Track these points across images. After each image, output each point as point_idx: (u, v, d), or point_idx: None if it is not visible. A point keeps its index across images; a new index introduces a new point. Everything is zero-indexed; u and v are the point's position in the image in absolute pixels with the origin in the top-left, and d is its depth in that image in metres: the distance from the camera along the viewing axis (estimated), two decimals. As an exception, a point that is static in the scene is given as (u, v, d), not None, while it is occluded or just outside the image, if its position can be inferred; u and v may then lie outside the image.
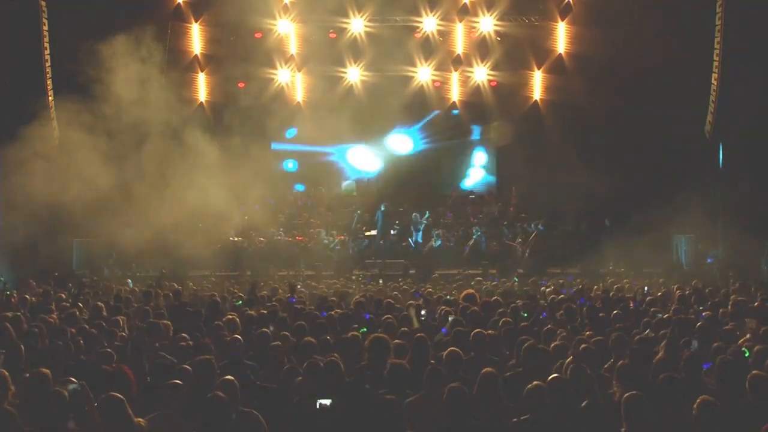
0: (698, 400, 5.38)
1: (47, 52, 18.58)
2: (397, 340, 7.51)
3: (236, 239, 20.35)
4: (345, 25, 22.01)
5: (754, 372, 5.81)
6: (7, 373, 5.81)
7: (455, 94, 23.02)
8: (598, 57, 20.92)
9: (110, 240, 17.92)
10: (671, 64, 18.69)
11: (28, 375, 6.11)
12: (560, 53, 22.31)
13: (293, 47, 22.44)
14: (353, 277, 18.25)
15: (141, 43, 17.57)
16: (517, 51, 22.51)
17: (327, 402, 5.66)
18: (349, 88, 22.48)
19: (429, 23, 22.11)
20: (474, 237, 20.38)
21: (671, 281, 15.29)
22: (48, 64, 18.58)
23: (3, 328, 7.87)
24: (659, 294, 12.44)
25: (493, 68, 22.53)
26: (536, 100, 22.71)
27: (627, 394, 5.38)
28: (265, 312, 9.69)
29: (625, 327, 8.67)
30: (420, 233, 20.47)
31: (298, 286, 14.86)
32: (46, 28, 18.57)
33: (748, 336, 8.13)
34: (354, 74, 22.42)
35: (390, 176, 23.13)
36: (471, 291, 11.32)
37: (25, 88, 17.60)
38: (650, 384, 6.12)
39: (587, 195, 19.21)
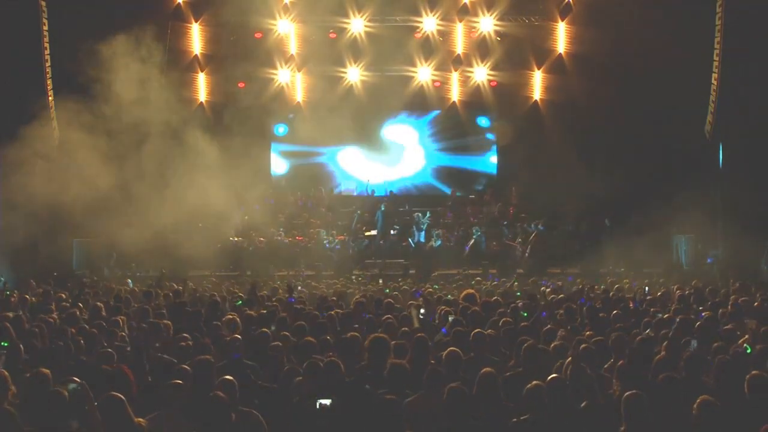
0: (698, 400, 5.38)
1: (47, 52, 18.58)
2: (397, 340, 7.52)
3: (236, 239, 20.35)
4: (345, 25, 22.01)
5: (753, 372, 5.81)
6: (7, 373, 5.82)
7: (455, 94, 23.03)
8: (598, 57, 20.93)
9: (110, 240, 17.92)
10: (671, 64, 18.68)
11: (28, 375, 6.11)
12: (560, 53, 22.32)
13: (293, 47, 22.45)
14: (353, 277, 18.25)
15: (141, 43, 17.57)
16: (517, 51, 22.52)
17: (327, 402, 5.66)
18: (349, 88, 22.49)
19: (429, 23, 22.12)
20: (474, 237, 20.37)
21: (671, 281, 15.29)
22: (48, 64, 18.59)
23: (3, 327, 7.87)
24: (659, 294, 12.44)
25: (493, 68, 22.54)
26: (536, 100, 22.72)
27: (627, 394, 5.38)
28: (265, 312, 9.68)
29: (625, 327, 8.67)
30: (423, 233, 20.46)
31: (299, 287, 14.87)
32: (46, 28, 18.58)
33: (746, 337, 8.13)
34: (354, 74, 22.42)
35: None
36: (471, 291, 11.31)
37: (25, 88, 17.60)
38: (650, 384, 6.12)
39: (587, 195, 19.21)
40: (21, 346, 7.38)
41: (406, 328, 8.34)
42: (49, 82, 18.51)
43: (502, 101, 22.81)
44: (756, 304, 10.33)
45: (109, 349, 7.37)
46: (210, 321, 9.18)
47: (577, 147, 20.46)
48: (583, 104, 21.13)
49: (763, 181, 17.73)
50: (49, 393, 5.39)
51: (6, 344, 7.26)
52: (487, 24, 22.13)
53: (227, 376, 5.93)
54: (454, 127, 23.76)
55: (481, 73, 22.59)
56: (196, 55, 22.37)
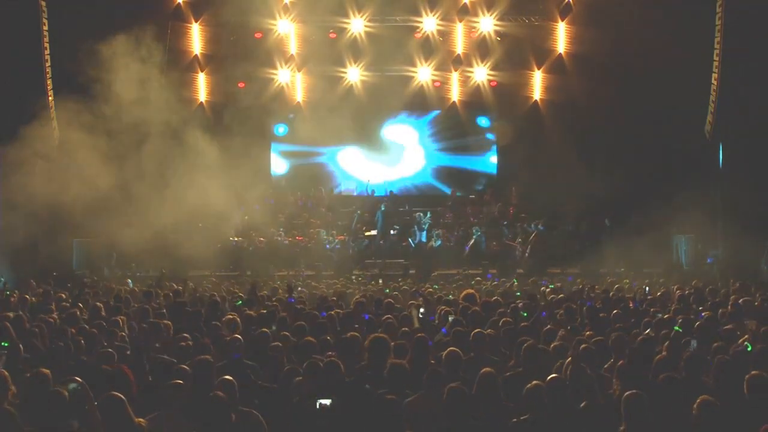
0: (698, 400, 5.38)
1: (47, 52, 18.58)
2: (397, 340, 7.52)
3: (236, 239, 20.35)
4: (345, 25, 22.02)
5: (752, 372, 5.81)
6: (7, 374, 5.82)
7: (455, 94, 23.03)
8: (598, 57, 20.93)
9: (110, 240, 17.91)
10: (671, 64, 18.68)
11: (28, 375, 6.10)
12: (560, 53, 22.32)
13: (293, 47, 22.45)
14: (353, 277, 18.25)
15: (141, 43, 17.57)
16: (517, 51, 22.53)
17: (327, 402, 5.66)
18: (349, 88, 22.49)
19: (429, 23, 22.12)
20: (474, 237, 20.37)
21: (671, 281, 15.28)
22: (48, 64, 18.59)
23: (3, 327, 7.86)
24: (658, 294, 12.44)
25: (493, 68, 22.54)
26: (536, 100, 22.73)
27: (627, 393, 5.38)
28: (265, 312, 9.68)
29: (625, 327, 8.67)
30: (424, 233, 20.45)
31: (299, 287, 14.86)
32: (46, 28, 18.58)
33: (746, 337, 8.13)
34: (354, 74, 22.42)
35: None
36: (471, 291, 11.31)
37: (25, 88, 17.60)
38: (650, 384, 6.13)
39: (587, 195, 19.20)
40: (20, 346, 7.39)
41: (407, 328, 8.34)
42: (49, 82, 18.51)
43: (502, 101, 22.80)
44: (756, 303, 10.33)
45: (110, 349, 7.37)
46: (210, 321, 9.18)
47: (577, 147, 20.46)
48: (583, 104, 21.13)
49: (763, 181, 17.73)
50: (49, 393, 5.38)
51: (6, 344, 7.26)
52: (487, 24, 22.13)
53: (227, 376, 5.93)
54: (454, 127, 23.77)
55: (481, 73, 22.59)
56: (196, 55, 22.38)
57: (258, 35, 22.13)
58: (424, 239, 20.41)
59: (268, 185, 20.94)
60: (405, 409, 5.94)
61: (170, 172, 17.45)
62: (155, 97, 17.70)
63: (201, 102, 22.49)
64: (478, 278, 16.79)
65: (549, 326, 8.52)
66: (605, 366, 7.02)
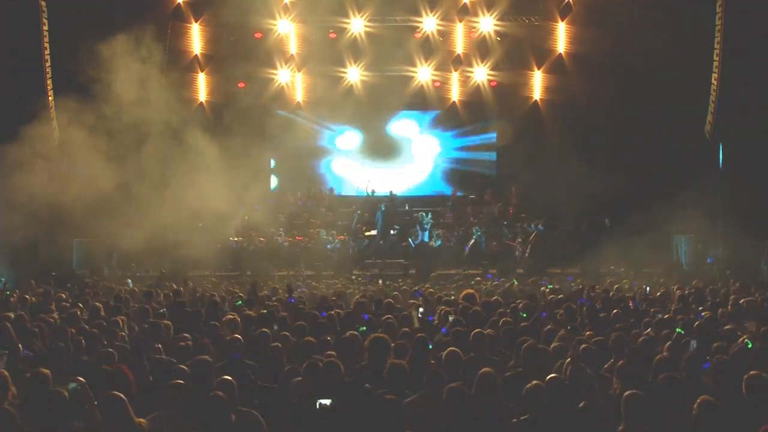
0: (698, 400, 5.38)
1: (47, 52, 18.59)
2: (397, 341, 7.52)
3: (236, 239, 20.35)
4: (345, 25, 22.02)
5: (751, 372, 5.81)
6: (7, 374, 5.82)
7: (455, 94, 23.03)
8: (598, 57, 20.93)
9: (110, 240, 17.92)
10: (671, 64, 18.69)
11: (28, 375, 6.10)
12: (560, 53, 22.33)
13: (293, 47, 22.46)
14: (353, 277, 18.25)
15: (141, 43, 17.57)
16: (517, 51, 22.53)
17: (327, 402, 5.66)
18: (349, 88, 22.49)
19: (429, 23, 22.12)
20: (474, 237, 20.38)
21: (671, 281, 15.28)
22: (48, 64, 18.59)
23: (3, 327, 7.87)
24: (658, 294, 12.44)
25: (493, 68, 22.55)
26: (536, 100, 22.73)
27: (627, 393, 5.38)
28: (265, 312, 9.68)
29: (625, 327, 8.67)
30: (426, 233, 20.45)
31: (300, 287, 14.86)
32: (46, 28, 18.59)
33: (746, 336, 8.13)
34: (354, 74, 22.42)
35: None
36: (471, 291, 11.31)
37: (25, 88, 17.61)
38: (650, 384, 6.12)
39: (587, 195, 19.20)
40: (20, 346, 7.38)
41: (407, 329, 8.34)
42: (49, 82, 18.52)
43: (502, 101, 22.80)
44: (757, 303, 10.33)
45: (110, 349, 7.37)
46: (210, 321, 9.17)
47: (577, 147, 20.46)
48: (583, 104, 21.13)
49: (763, 181, 17.73)
50: (49, 393, 5.38)
51: (6, 345, 7.26)
52: (487, 24, 22.13)
53: (226, 376, 5.93)
54: (454, 128, 23.76)
55: (481, 73, 22.59)
56: (196, 55, 22.38)
57: (258, 35, 22.14)
58: (426, 239, 20.40)
59: (268, 185, 20.95)
60: (405, 409, 5.94)
61: (170, 172, 17.45)
62: (155, 97, 17.70)
63: (201, 102, 22.50)
64: (478, 278, 16.79)
65: (549, 326, 8.52)
66: (605, 366, 7.02)
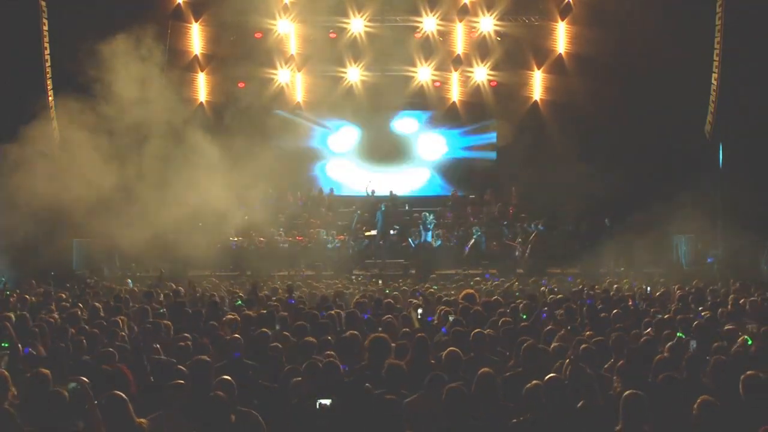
0: (698, 400, 5.38)
1: (47, 52, 18.59)
2: (398, 341, 7.52)
3: (236, 239, 20.35)
4: (345, 25, 22.03)
5: (748, 373, 5.81)
6: (7, 374, 5.82)
7: (455, 94, 23.03)
8: (598, 57, 20.94)
9: (110, 240, 17.91)
10: (671, 64, 18.69)
11: (28, 375, 6.11)
12: (560, 53, 22.33)
13: (293, 47, 22.46)
14: (353, 277, 18.25)
15: (141, 43, 17.57)
16: (517, 51, 22.53)
17: (327, 402, 5.66)
18: (349, 88, 22.49)
19: (429, 23, 22.12)
20: (474, 237, 20.38)
21: (671, 281, 15.29)
22: (48, 64, 18.59)
23: (3, 327, 7.87)
24: (657, 294, 12.44)
25: (493, 68, 22.55)
26: (536, 100, 22.73)
27: (626, 393, 5.38)
28: (265, 312, 9.67)
29: (625, 327, 8.67)
30: (429, 233, 20.44)
31: (300, 287, 14.86)
32: (46, 28, 18.59)
33: (745, 336, 8.13)
34: (354, 74, 22.43)
35: None
36: (470, 291, 11.31)
37: (25, 88, 17.61)
38: (650, 384, 6.13)
39: (587, 195, 19.20)
40: (19, 345, 7.38)
41: (407, 329, 8.34)
42: (49, 82, 18.52)
43: (502, 101, 22.80)
44: (749, 304, 10.32)
45: (110, 349, 7.37)
46: (210, 321, 9.17)
47: (577, 147, 20.47)
48: (583, 104, 21.13)
49: (763, 181, 17.74)
50: (49, 393, 5.39)
51: (6, 345, 7.26)
52: (487, 24, 22.14)
53: (225, 376, 5.92)
54: (454, 128, 23.76)
55: (481, 73, 22.59)
56: (196, 55, 22.38)
57: (258, 35, 22.14)
58: (429, 239, 20.40)
59: (268, 185, 20.96)
60: (405, 409, 5.94)
61: (170, 172, 17.44)
62: (155, 97, 17.70)
63: (201, 102, 22.49)
64: (477, 278, 16.78)
65: (549, 326, 8.52)
66: (605, 366, 7.03)
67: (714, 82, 19.48)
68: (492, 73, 22.60)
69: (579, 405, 5.67)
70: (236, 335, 7.65)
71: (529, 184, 21.56)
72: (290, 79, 22.61)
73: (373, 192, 22.35)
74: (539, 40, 22.48)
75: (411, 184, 23.88)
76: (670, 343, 7.41)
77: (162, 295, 12.33)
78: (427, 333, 7.75)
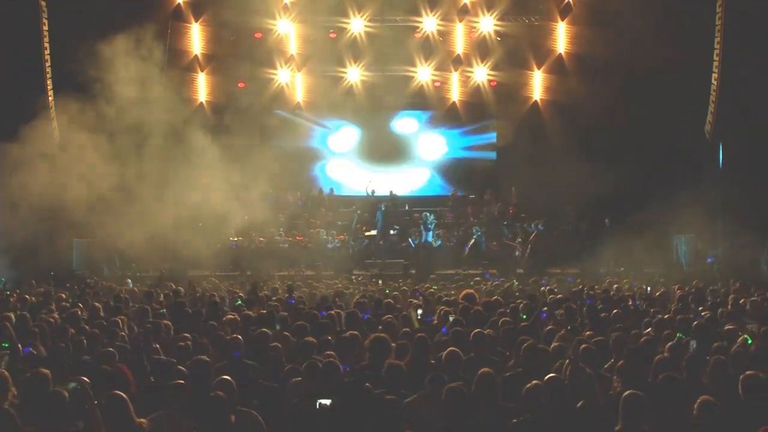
0: (698, 400, 5.38)
1: (47, 52, 18.58)
2: (398, 341, 7.52)
3: (236, 239, 20.35)
4: (345, 25, 22.03)
5: (747, 373, 5.81)
6: (7, 374, 5.82)
7: (455, 94, 23.03)
8: (598, 57, 20.94)
9: (110, 240, 17.90)
10: (671, 64, 18.69)
11: (28, 375, 6.11)
12: (560, 53, 22.33)
13: (293, 47, 22.47)
14: (353, 278, 18.25)
15: (141, 43, 17.58)
16: (517, 51, 22.54)
17: (327, 402, 5.66)
18: (349, 88, 22.49)
19: (429, 23, 22.13)
20: (474, 237, 20.38)
21: (671, 281, 15.29)
22: (48, 64, 18.59)
23: (3, 327, 7.87)
24: (657, 294, 12.44)
25: (493, 68, 22.55)
26: (536, 100, 22.73)
27: (626, 394, 5.38)
28: (265, 312, 9.67)
29: (625, 327, 8.67)
30: (431, 233, 20.43)
31: (300, 286, 14.85)
32: (46, 28, 18.59)
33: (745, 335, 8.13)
34: (354, 74, 22.42)
35: None
36: (470, 291, 11.31)
37: (25, 88, 17.60)
38: (650, 384, 6.13)
39: (587, 195, 19.21)
40: (19, 346, 7.38)
41: (407, 329, 8.34)
42: (49, 81, 18.52)
43: (502, 101, 22.81)
44: (751, 304, 10.32)
45: (111, 349, 7.37)
46: (210, 321, 9.17)
47: (577, 147, 20.43)
48: (583, 104, 21.12)
49: (763, 181, 17.74)
50: (49, 393, 5.39)
51: (7, 345, 7.26)
52: (487, 24, 22.14)
53: (225, 376, 5.92)
54: (454, 128, 23.76)
55: (481, 73, 22.59)
56: (196, 55, 22.38)
57: (258, 35, 22.15)
58: (430, 239, 20.39)
59: (268, 185, 20.98)
60: (405, 409, 5.94)
61: (170, 172, 17.45)
62: (155, 97, 17.72)
63: (201, 102, 22.49)
64: (477, 278, 16.78)
65: (549, 326, 8.52)
66: (605, 366, 7.03)
67: (714, 82, 19.48)
68: (492, 73, 22.60)
69: (579, 405, 5.67)
70: (236, 335, 7.65)
71: (529, 184, 21.56)
72: (290, 79, 22.61)
73: (373, 192, 22.32)
74: (539, 40, 22.49)
75: (411, 184, 23.87)
76: (670, 343, 7.41)
77: (162, 295, 12.33)
78: (427, 333, 7.76)
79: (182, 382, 5.86)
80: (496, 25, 22.14)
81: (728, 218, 18.84)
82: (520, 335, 7.55)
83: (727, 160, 19.91)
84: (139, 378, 6.73)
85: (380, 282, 17.11)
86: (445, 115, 23.47)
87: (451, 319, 8.76)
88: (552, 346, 7.51)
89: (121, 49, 17.15)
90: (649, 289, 13.07)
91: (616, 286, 13.69)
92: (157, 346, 7.79)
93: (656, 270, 17.78)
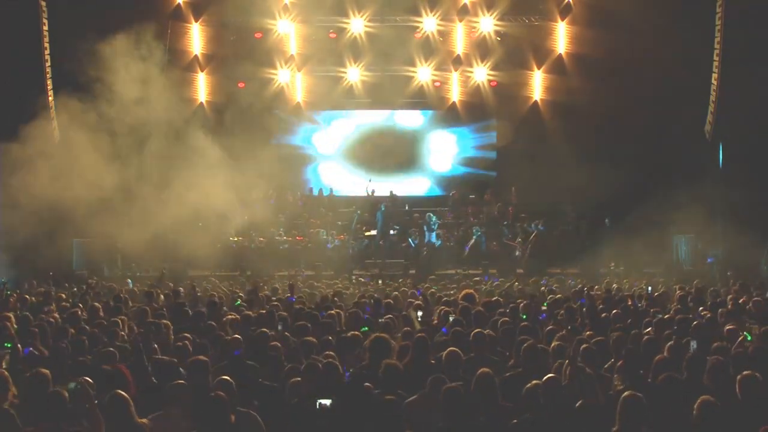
0: (698, 401, 5.38)
1: (47, 52, 18.59)
2: (399, 341, 7.52)
3: (236, 239, 20.35)
4: (345, 25, 22.03)
5: (745, 373, 5.81)
6: (8, 374, 5.82)
7: (455, 94, 23.02)
8: (598, 57, 20.93)
9: (110, 240, 17.90)
10: (671, 65, 18.68)
11: (28, 375, 6.11)
12: (560, 53, 22.33)
13: (293, 47, 22.47)
14: (353, 278, 18.25)
15: (141, 42, 17.57)
16: (517, 51, 22.54)
17: (327, 402, 5.66)
18: (349, 88, 22.49)
19: (429, 23, 22.13)
20: (474, 237, 20.38)
21: (671, 281, 15.29)
22: (48, 63, 18.59)
23: (3, 327, 7.87)
24: (656, 294, 12.44)
25: (493, 68, 22.54)
26: (536, 100, 22.73)
27: (625, 394, 5.37)
28: (265, 312, 9.68)
29: (625, 327, 8.67)
30: (434, 233, 20.41)
31: (300, 286, 14.85)
32: (46, 28, 18.59)
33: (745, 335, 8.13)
34: (354, 74, 22.42)
35: None
36: (470, 291, 11.31)
37: (25, 88, 17.61)
38: (650, 384, 6.12)
39: (587, 195, 19.20)
40: (20, 346, 7.39)
41: (408, 328, 8.34)
42: (49, 81, 18.52)
43: (502, 101, 22.80)
44: (753, 304, 10.32)
45: (111, 349, 7.37)
46: (210, 321, 9.17)
47: (577, 147, 20.45)
48: (583, 104, 21.13)
49: (763, 181, 17.74)
50: (49, 393, 5.39)
51: (9, 345, 7.26)
52: (487, 24, 22.14)
53: (225, 376, 5.93)
54: (453, 128, 23.75)
55: (481, 73, 22.59)
56: (196, 55, 22.39)
57: (258, 35, 22.15)
58: (433, 239, 20.38)
59: (268, 185, 20.98)
60: (405, 409, 5.95)
61: (171, 172, 17.45)
62: (155, 97, 17.70)
63: (201, 102, 22.49)
64: (477, 278, 16.78)
65: (549, 326, 8.52)
66: (605, 366, 7.03)
67: (714, 82, 19.47)
68: (492, 73, 22.60)
69: (578, 405, 5.67)
70: (236, 335, 7.65)
71: (529, 184, 21.56)
72: (290, 79, 22.61)
73: (373, 192, 22.32)
74: (539, 40, 22.49)
75: (411, 183, 23.86)
76: (670, 344, 7.41)
77: (162, 296, 12.33)
78: (427, 333, 7.76)
79: (182, 382, 5.86)
80: (496, 25, 22.14)
81: (728, 218, 18.83)
82: (520, 335, 7.55)
83: (727, 160, 19.91)
84: (139, 378, 6.73)
85: (380, 282, 17.13)
86: (445, 116, 23.46)
87: (451, 319, 8.76)
88: (552, 346, 7.51)
89: (121, 49, 17.14)
90: (650, 288, 13.06)
91: (616, 286, 13.68)
92: (155, 346, 7.78)
93: (656, 270, 17.78)
